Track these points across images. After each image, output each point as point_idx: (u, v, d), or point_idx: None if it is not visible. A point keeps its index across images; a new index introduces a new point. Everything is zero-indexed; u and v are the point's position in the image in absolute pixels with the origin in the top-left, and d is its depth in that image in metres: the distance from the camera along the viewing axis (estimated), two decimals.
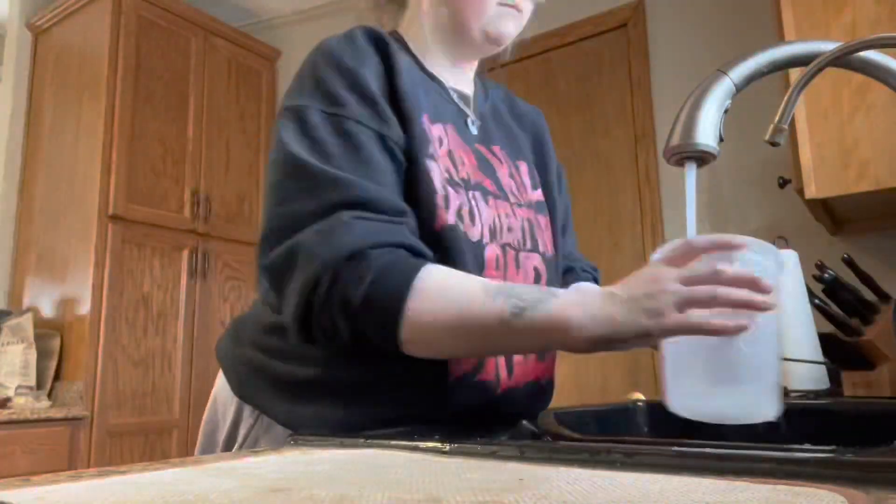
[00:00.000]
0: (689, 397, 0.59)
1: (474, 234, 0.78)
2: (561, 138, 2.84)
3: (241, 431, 0.80)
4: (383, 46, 0.80)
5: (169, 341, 2.77)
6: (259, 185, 3.27)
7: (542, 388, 0.85)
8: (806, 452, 0.41)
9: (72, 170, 2.77)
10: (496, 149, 0.90)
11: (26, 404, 2.42)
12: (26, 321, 2.59)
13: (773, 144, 0.66)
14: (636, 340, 0.61)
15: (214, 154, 3.07)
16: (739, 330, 0.56)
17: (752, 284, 0.56)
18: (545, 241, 0.89)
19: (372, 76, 0.77)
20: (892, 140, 1.40)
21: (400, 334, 0.65)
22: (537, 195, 0.92)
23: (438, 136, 0.80)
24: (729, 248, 0.59)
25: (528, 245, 0.85)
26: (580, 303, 0.62)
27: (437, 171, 0.76)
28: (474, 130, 0.88)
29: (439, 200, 0.75)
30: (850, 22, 1.47)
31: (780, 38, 1.57)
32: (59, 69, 2.95)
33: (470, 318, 0.64)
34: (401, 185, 0.74)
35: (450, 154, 0.81)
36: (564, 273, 0.96)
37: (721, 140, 0.65)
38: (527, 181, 0.92)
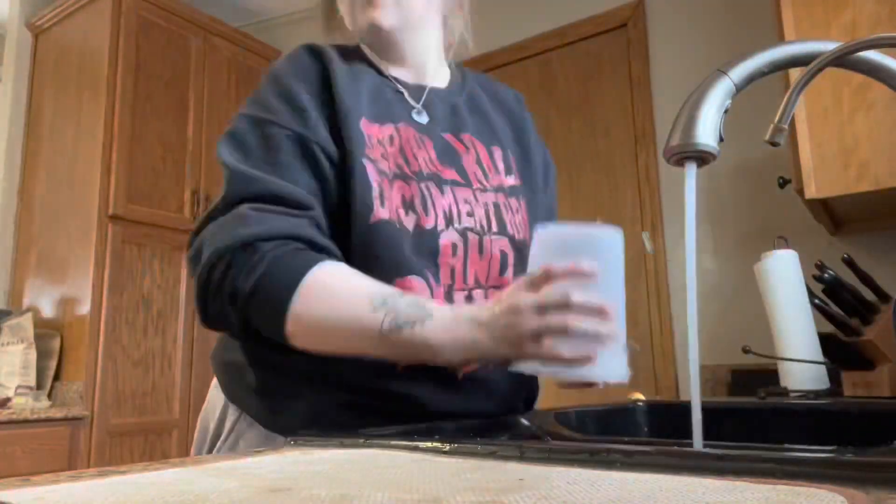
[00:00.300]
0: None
1: (428, 222, 0.81)
2: (561, 138, 2.84)
3: (226, 426, 0.84)
4: (322, 58, 0.86)
5: (169, 341, 2.77)
6: None
7: (514, 377, 0.85)
8: (806, 452, 0.41)
9: (72, 170, 2.77)
10: (466, 136, 0.92)
11: (26, 404, 2.42)
12: (26, 321, 2.59)
13: (773, 144, 0.66)
14: (497, 363, 0.68)
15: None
16: (588, 361, 0.64)
17: (600, 313, 0.63)
18: (516, 224, 0.89)
19: (304, 87, 0.82)
20: (892, 140, 1.40)
21: (285, 329, 0.69)
22: (511, 180, 0.93)
23: (389, 135, 0.84)
24: (582, 277, 0.64)
25: (495, 228, 0.86)
26: (450, 328, 0.67)
27: (373, 169, 0.80)
28: (422, 120, 0.90)
29: (375, 196, 0.78)
30: (850, 22, 1.47)
31: (780, 38, 1.57)
32: (59, 69, 2.95)
33: (350, 324, 0.68)
34: (321, 182, 0.78)
35: (401, 151, 0.84)
36: None
37: (721, 140, 0.65)
38: (500, 165, 0.93)
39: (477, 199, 0.86)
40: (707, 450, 0.44)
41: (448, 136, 0.90)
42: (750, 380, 1.77)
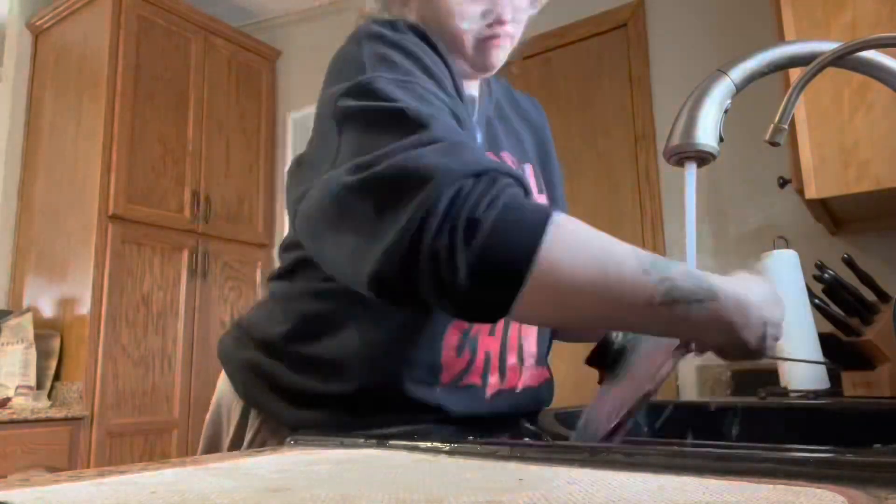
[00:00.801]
0: None
1: None
2: (561, 138, 2.83)
3: (248, 435, 0.79)
4: (445, 58, 0.76)
5: (169, 341, 2.77)
6: (259, 185, 3.27)
7: (538, 394, 0.84)
8: (806, 452, 0.41)
9: (72, 170, 2.77)
10: (505, 155, 0.88)
11: (26, 404, 2.42)
12: (26, 321, 2.59)
13: (773, 144, 0.66)
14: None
15: (214, 154, 3.07)
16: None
17: None
18: None
19: (432, 64, 0.72)
20: (892, 140, 1.40)
21: (527, 277, 0.53)
22: (542, 199, 0.91)
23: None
24: None
25: None
26: (735, 313, 0.56)
27: None
28: (479, 138, 0.85)
29: None
30: (850, 22, 1.47)
31: (780, 38, 1.57)
32: (59, 69, 2.95)
33: (615, 285, 0.55)
34: None
35: None
36: None
37: (721, 140, 0.65)
38: (533, 185, 0.90)
39: None
40: (707, 450, 0.44)
41: (490, 155, 0.85)
42: (750, 380, 1.77)
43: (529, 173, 0.90)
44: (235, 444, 0.81)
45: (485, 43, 0.80)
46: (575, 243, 0.55)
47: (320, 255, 0.69)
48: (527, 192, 0.60)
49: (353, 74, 0.67)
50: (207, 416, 0.87)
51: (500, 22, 0.79)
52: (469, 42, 0.80)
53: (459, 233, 0.53)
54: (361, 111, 0.63)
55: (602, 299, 0.56)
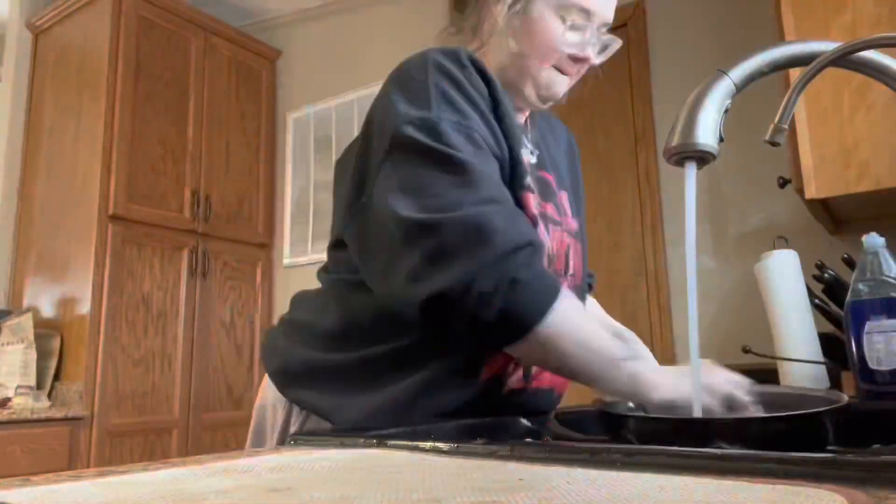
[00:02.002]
0: None
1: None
2: None
3: (293, 430, 0.81)
4: (489, 82, 0.81)
5: (169, 341, 2.77)
6: (259, 185, 3.27)
7: (556, 396, 0.88)
8: (806, 452, 0.41)
9: (72, 170, 2.77)
10: (550, 176, 0.92)
11: (26, 404, 2.42)
12: (26, 321, 2.59)
13: (773, 144, 0.66)
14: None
15: (214, 154, 3.07)
16: None
17: None
18: (575, 265, 0.91)
19: (485, 103, 0.79)
20: (892, 140, 1.40)
21: (532, 330, 0.67)
22: (575, 224, 0.95)
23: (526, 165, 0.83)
24: None
25: (567, 270, 0.89)
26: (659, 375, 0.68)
27: (531, 203, 0.79)
28: (534, 159, 0.91)
29: (542, 233, 0.79)
30: (850, 22, 1.47)
31: (780, 38, 1.57)
32: (59, 69, 2.95)
33: (591, 345, 0.69)
34: None
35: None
36: None
37: (721, 140, 0.65)
38: (568, 209, 0.94)
39: (563, 240, 0.88)
40: (707, 450, 0.44)
41: (541, 172, 0.91)
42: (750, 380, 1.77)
43: (564, 199, 0.94)
44: (281, 441, 0.82)
45: (560, 73, 0.87)
46: (572, 319, 0.69)
47: (368, 269, 0.77)
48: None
49: (419, 99, 0.75)
50: (252, 422, 0.89)
51: (585, 59, 0.88)
52: (546, 70, 0.86)
53: (505, 286, 0.65)
54: (427, 148, 0.71)
55: (580, 358, 0.69)
